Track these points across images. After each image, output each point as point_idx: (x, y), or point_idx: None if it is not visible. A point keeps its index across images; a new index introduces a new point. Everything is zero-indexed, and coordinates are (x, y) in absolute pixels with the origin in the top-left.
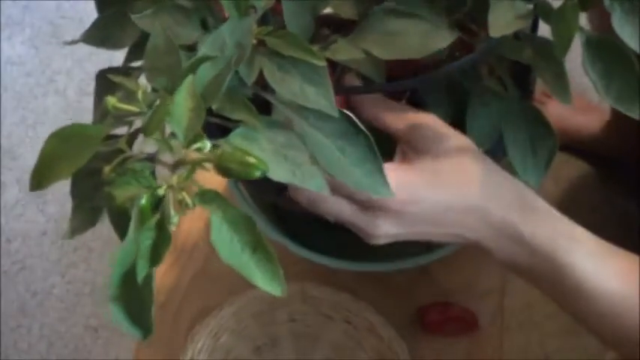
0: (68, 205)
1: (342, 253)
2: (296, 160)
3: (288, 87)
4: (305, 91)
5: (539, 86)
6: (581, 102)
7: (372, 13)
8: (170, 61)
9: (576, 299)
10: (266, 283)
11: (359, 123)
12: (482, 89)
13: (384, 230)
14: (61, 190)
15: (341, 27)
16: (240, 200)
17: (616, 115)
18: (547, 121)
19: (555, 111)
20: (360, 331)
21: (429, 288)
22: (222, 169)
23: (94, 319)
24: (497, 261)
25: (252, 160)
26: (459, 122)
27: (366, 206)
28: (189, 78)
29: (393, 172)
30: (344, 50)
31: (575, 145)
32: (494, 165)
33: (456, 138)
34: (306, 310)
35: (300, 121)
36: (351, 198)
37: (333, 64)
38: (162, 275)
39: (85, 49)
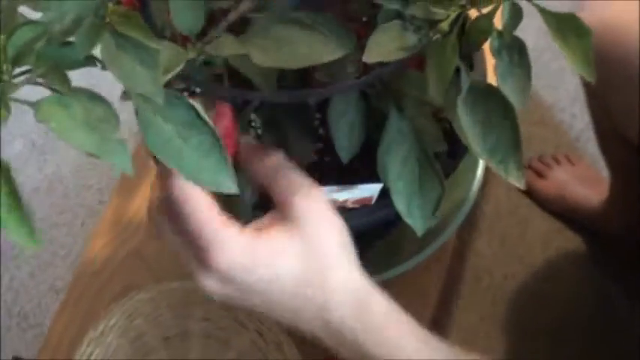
0: (65, 167)
1: None
2: (105, 134)
3: (122, 66)
4: (136, 71)
5: (548, 149)
6: (588, 172)
7: (265, 16)
8: None
9: None
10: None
11: (204, 115)
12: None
13: (209, 286)
14: (61, 151)
15: None
16: None
17: (615, 195)
18: (435, 163)
19: (558, 177)
20: (268, 345)
21: None
22: None
23: (60, 281)
24: None
25: None
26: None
27: (200, 257)
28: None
29: (243, 234)
30: (227, 47)
31: (571, 216)
32: (349, 254)
33: (318, 213)
34: (223, 313)
35: (141, 103)
36: (191, 238)
37: None
38: (102, 247)
39: None
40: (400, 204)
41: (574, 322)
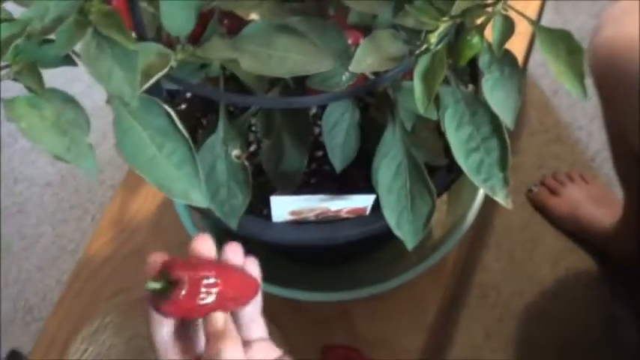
0: None
1: (294, 279)
2: (75, 139)
3: (100, 67)
4: (113, 73)
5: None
6: (602, 192)
7: (259, 21)
8: None
9: None
10: None
11: (179, 124)
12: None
13: None
14: None
15: None
16: (189, 226)
17: (628, 216)
18: (426, 177)
19: (572, 196)
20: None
21: (345, 330)
22: None
23: (67, 276)
24: None
25: None
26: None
27: None
28: None
29: None
30: (217, 51)
31: (583, 235)
32: None
33: None
34: None
35: (119, 106)
36: None
37: None
38: (101, 246)
39: None
40: (390, 217)
41: (581, 343)
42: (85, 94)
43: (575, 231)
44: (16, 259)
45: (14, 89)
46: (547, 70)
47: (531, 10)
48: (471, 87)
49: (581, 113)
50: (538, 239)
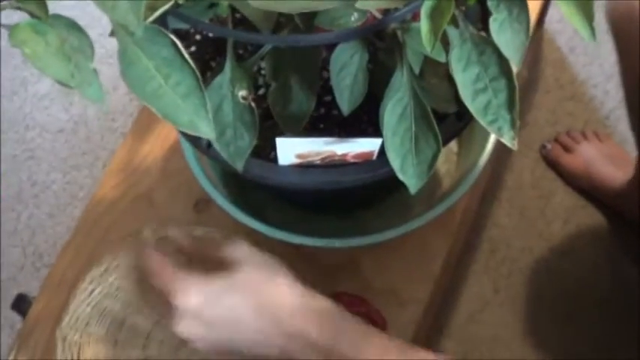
0: (90, 110)
1: (301, 227)
2: (79, 64)
3: None
4: (117, 2)
5: (578, 125)
6: (615, 150)
7: None
8: None
9: None
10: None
11: (186, 55)
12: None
13: (188, 330)
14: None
15: None
16: (200, 176)
17: None
18: (432, 121)
19: (585, 153)
20: None
21: (353, 278)
22: None
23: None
24: None
25: None
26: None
27: (172, 311)
28: None
29: (195, 283)
30: None
31: (596, 194)
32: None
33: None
34: None
35: (124, 36)
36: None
37: None
38: (109, 189)
39: None
40: (394, 160)
41: (589, 300)
42: (96, 42)
43: (588, 188)
44: (26, 206)
45: (16, 17)
46: (564, 27)
47: None
48: (481, 27)
49: (598, 71)
50: (550, 196)
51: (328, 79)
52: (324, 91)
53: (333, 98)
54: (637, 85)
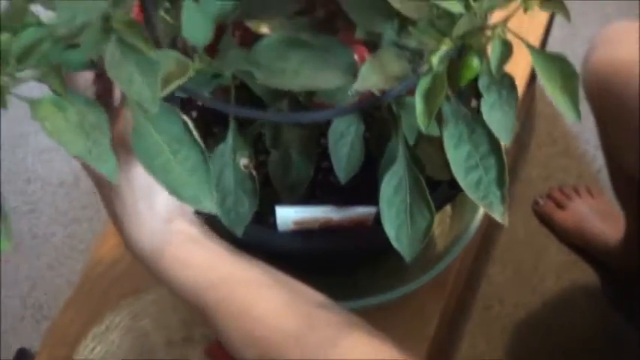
0: None
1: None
2: (97, 141)
3: (121, 72)
4: (134, 78)
5: (570, 180)
6: (607, 206)
7: (274, 34)
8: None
9: None
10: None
11: (195, 133)
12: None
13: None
14: None
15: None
16: None
17: (629, 234)
18: (426, 193)
19: (577, 210)
20: None
21: None
22: None
23: (78, 276)
24: None
25: None
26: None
27: None
28: (3, 37)
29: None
30: (234, 62)
31: (588, 250)
32: None
33: None
34: None
35: (136, 112)
36: None
37: None
38: (111, 247)
39: None
40: (390, 230)
41: (582, 355)
42: None
43: (580, 244)
44: (26, 258)
45: (36, 89)
46: None
47: (537, 25)
48: (474, 103)
49: (589, 126)
50: (543, 251)
51: (325, 146)
52: (322, 158)
53: (330, 164)
54: (615, 155)
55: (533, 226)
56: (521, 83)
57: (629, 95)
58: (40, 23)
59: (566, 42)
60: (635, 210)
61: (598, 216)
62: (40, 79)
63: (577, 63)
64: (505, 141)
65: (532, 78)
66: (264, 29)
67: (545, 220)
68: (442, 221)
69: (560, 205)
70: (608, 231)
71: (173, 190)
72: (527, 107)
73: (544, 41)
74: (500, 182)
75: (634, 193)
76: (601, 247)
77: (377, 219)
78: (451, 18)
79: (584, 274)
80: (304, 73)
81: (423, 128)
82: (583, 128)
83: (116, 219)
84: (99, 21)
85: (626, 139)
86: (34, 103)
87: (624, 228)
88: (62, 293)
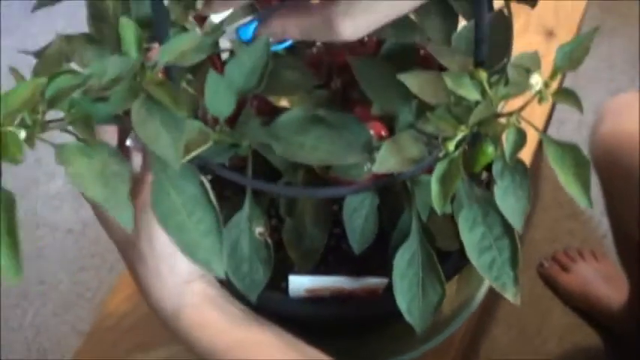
0: None
1: None
2: (116, 190)
3: (147, 129)
4: (160, 136)
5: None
6: (612, 270)
7: (294, 109)
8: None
9: None
10: None
11: (212, 196)
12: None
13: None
14: None
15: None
16: None
17: (632, 300)
18: (438, 268)
19: (582, 273)
20: None
21: None
22: None
23: (83, 323)
24: None
25: None
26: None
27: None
28: (39, 79)
29: None
30: (253, 134)
31: (592, 314)
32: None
33: None
34: None
35: (158, 170)
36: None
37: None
38: (121, 300)
39: None
40: (402, 302)
41: None
42: None
43: (584, 308)
44: (32, 303)
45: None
46: None
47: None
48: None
49: (596, 191)
50: (547, 313)
51: (338, 213)
52: (335, 224)
53: (343, 231)
54: (620, 224)
55: (538, 288)
56: (528, 152)
57: (635, 167)
58: (73, 72)
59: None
60: (638, 277)
61: (602, 279)
62: (68, 126)
63: (585, 129)
64: (517, 226)
65: (540, 144)
66: (283, 102)
67: (550, 283)
68: (449, 286)
69: (564, 268)
70: (612, 295)
71: (186, 250)
72: (533, 170)
73: (552, 109)
74: (513, 263)
75: (639, 261)
76: (605, 311)
77: (388, 288)
78: (467, 105)
79: (588, 337)
80: (322, 148)
81: (438, 211)
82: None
83: (138, 279)
84: (129, 78)
85: (632, 209)
86: (59, 147)
87: (628, 293)
88: (67, 340)
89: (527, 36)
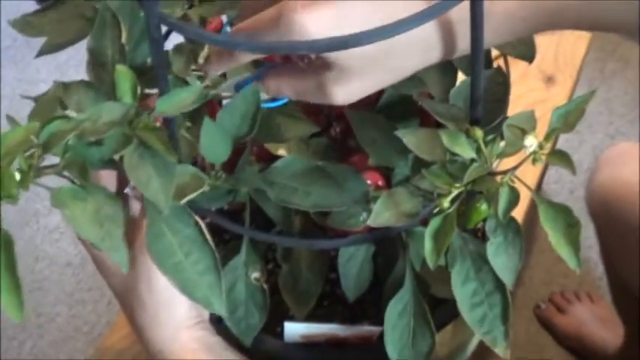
0: None
1: None
2: (110, 231)
3: (139, 174)
4: (150, 180)
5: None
6: (607, 313)
7: (290, 157)
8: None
9: None
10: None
11: (208, 236)
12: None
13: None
14: None
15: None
16: None
17: (628, 344)
18: (429, 319)
19: (578, 315)
20: None
21: None
22: None
23: (80, 355)
24: None
25: None
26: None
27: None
28: (31, 124)
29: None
30: (249, 180)
31: (587, 356)
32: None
33: None
34: None
35: (152, 212)
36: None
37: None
38: (119, 339)
39: None
40: (393, 352)
41: None
42: None
43: (579, 349)
44: (30, 336)
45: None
46: (560, 188)
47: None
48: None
49: (592, 233)
50: (542, 354)
51: (333, 258)
52: (329, 269)
53: (337, 276)
54: (616, 271)
55: (534, 329)
56: (523, 204)
57: (630, 216)
58: (66, 117)
59: (573, 151)
60: (633, 322)
61: (598, 322)
62: (63, 170)
63: (581, 172)
64: (508, 283)
65: (538, 185)
66: (281, 151)
67: (546, 324)
68: (444, 331)
69: (561, 310)
70: (607, 337)
71: (184, 290)
72: (530, 212)
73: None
74: (504, 318)
75: (634, 308)
76: (600, 353)
77: (382, 334)
78: (463, 162)
79: None
80: (315, 193)
81: (431, 266)
82: (586, 235)
83: (137, 324)
84: (123, 123)
85: (627, 258)
86: (54, 192)
87: (623, 336)
88: None
89: (528, 82)
